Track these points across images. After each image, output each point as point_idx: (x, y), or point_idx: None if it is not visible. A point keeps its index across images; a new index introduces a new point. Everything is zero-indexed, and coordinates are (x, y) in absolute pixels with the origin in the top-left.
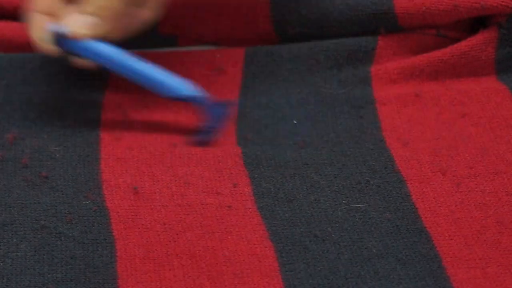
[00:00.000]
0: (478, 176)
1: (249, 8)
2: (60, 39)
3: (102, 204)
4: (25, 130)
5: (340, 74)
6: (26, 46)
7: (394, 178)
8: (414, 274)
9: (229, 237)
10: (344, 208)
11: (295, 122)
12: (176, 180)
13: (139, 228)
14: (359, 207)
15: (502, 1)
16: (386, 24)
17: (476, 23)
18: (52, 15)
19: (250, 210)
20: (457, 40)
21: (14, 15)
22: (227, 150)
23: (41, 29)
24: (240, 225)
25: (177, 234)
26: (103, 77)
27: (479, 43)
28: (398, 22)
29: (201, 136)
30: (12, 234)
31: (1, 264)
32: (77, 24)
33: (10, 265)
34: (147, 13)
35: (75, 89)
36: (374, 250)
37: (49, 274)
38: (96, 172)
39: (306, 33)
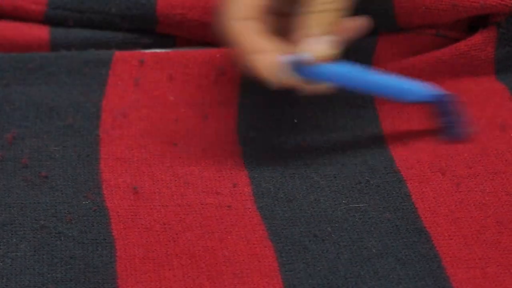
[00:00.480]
0: (477, 176)
1: None
2: (301, 67)
3: (102, 204)
4: (24, 130)
5: None
6: (26, 46)
7: (394, 178)
8: (414, 274)
9: (228, 237)
10: (344, 208)
11: (295, 121)
12: (175, 180)
13: (139, 228)
14: (358, 207)
15: (501, 0)
16: (386, 23)
17: (475, 23)
18: (270, 50)
19: (250, 210)
20: (456, 40)
21: (14, 15)
22: (227, 149)
23: (272, 64)
24: (239, 225)
25: (177, 234)
26: (103, 77)
27: (478, 43)
28: (397, 22)
29: (449, 134)
30: (12, 234)
31: (1, 264)
32: (318, 47)
33: (10, 265)
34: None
35: (75, 89)
36: (374, 250)
37: (48, 274)
38: (95, 172)
39: None
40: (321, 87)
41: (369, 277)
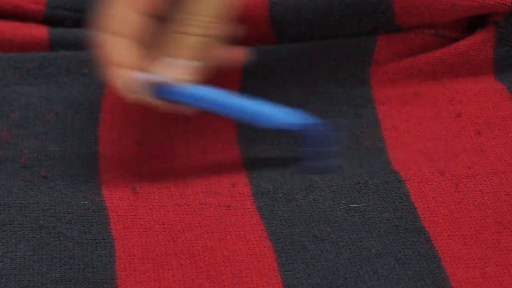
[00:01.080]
0: (476, 176)
1: (248, 8)
2: (156, 87)
3: (101, 204)
4: (23, 130)
5: (339, 74)
6: (25, 46)
7: (393, 178)
8: (413, 273)
9: (228, 237)
10: (343, 208)
11: None
12: (174, 180)
13: (138, 228)
14: (358, 207)
15: (501, 0)
16: (385, 23)
17: (474, 23)
18: (130, 66)
19: (249, 210)
20: (455, 39)
21: (13, 15)
22: (227, 150)
23: (127, 80)
24: (239, 225)
25: (176, 234)
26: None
27: (477, 42)
28: (397, 21)
29: (309, 164)
30: (11, 234)
31: (0, 264)
32: (174, 70)
33: (9, 265)
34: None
35: (74, 89)
36: (373, 250)
37: (48, 274)
38: (95, 172)
39: (305, 33)
40: (182, 108)
41: (368, 277)
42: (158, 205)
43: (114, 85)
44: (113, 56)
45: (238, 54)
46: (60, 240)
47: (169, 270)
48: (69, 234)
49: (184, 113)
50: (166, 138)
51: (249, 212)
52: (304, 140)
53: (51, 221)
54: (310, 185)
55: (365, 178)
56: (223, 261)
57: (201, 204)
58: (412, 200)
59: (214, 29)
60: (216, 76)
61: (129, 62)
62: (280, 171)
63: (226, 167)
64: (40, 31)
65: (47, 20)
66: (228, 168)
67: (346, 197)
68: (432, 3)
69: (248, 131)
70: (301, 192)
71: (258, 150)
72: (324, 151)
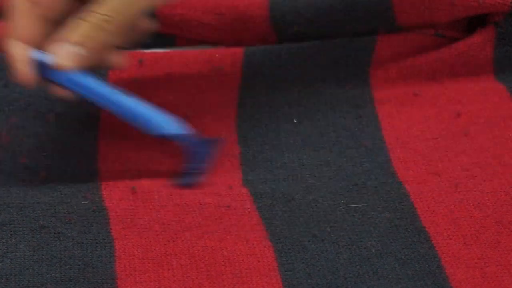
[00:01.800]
0: (476, 176)
1: (248, 8)
2: (43, 68)
3: (101, 204)
4: (24, 130)
5: (339, 74)
6: None
7: (391, 179)
8: (413, 273)
9: (228, 237)
10: (343, 208)
11: (295, 121)
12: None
13: (138, 228)
14: (357, 207)
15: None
16: (385, 23)
17: (474, 23)
18: (33, 42)
19: (249, 210)
20: (455, 39)
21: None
22: (226, 150)
23: (21, 56)
24: (239, 224)
25: (176, 234)
26: (102, 77)
27: (477, 42)
28: (397, 21)
29: (186, 178)
30: (11, 234)
31: (0, 264)
32: (63, 54)
33: (9, 265)
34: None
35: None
36: (373, 250)
37: (47, 274)
38: (94, 172)
39: (305, 33)
40: (65, 92)
41: (368, 277)
42: (158, 205)
43: (10, 59)
44: (16, 29)
45: (120, 60)
46: (60, 240)
47: (169, 270)
48: (69, 234)
49: (66, 98)
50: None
51: (249, 212)
52: (186, 153)
53: (51, 221)
54: (307, 186)
55: (364, 178)
56: (223, 261)
57: (200, 204)
58: (412, 200)
59: (110, 22)
60: (215, 76)
61: (29, 36)
62: (276, 173)
63: (225, 167)
64: None
65: None
66: (227, 168)
67: (345, 197)
68: (432, 3)
69: (248, 131)
70: (300, 193)
71: (258, 151)
72: (195, 165)
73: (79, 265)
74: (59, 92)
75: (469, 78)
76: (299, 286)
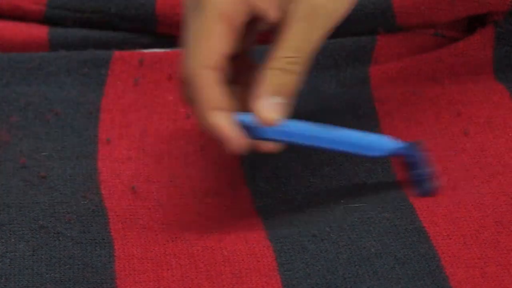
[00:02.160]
0: (475, 177)
1: None
2: (249, 129)
3: (100, 203)
4: (23, 130)
5: (339, 74)
6: (25, 46)
7: (391, 179)
8: (413, 273)
9: (227, 237)
10: (343, 208)
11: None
12: (173, 180)
13: (137, 228)
14: (357, 207)
15: None
16: (385, 23)
17: (474, 23)
18: (229, 107)
19: (249, 210)
20: (455, 39)
21: (13, 15)
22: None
23: (228, 124)
24: (238, 225)
25: (175, 234)
26: (102, 77)
27: (477, 42)
28: (397, 20)
29: (419, 188)
30: (11, 234)
31: (0, 264)
32: (266, 109)
33: (9, 265)
34: None
35: (73, 89)
36: (373, 250)
37: (47, 274)
38: (94, 172)
39: None
40: (275, 146)
41: (368, 276)
42: (157, 205)
43: (216, 130)
44: (209, 100)
45: None
46: (59, 240)
47: (168, 270)
48: (68, 234)
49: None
50: (166, 138)
51: (249, 212)
52: (407, 163)
53: (50, 221)
54: (308, 186)
55: (364, 178)
56: (223, 261)
57: (200, 204)
58: (411, 200)
59: (303, 64)
60: None
61: (225, 103)
62: (278, 172)
63: (225, 167)
64: (40, 31)
65: (47, 20)
66: (227, 168)
67: (344, 198)
68: (432, 2)
69: None
70: (300, 193)
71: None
72: (426, 171)
73: (78, 265)
74: (269, 146)
75: (469, 78)
76: (299, 286)
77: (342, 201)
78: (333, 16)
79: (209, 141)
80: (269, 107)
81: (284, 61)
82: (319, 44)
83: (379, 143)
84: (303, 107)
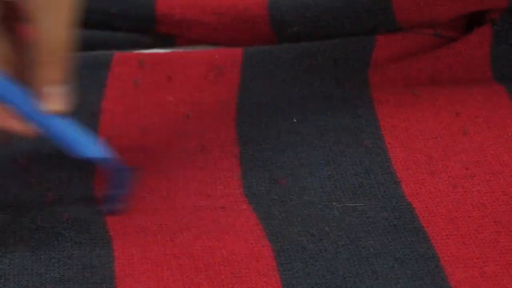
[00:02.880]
0: (474, 176)
1: (247, 8)
2: None
3: (99, 203)
4: None
5: (338, 74)
6: None
7: (389, 178)
8: (412, 273)
9: (226, 237)
10: (341, 208)
11: (295, 120)
12: (167, 183)
13: (136, 228)
14: (355, 207)
15: None
16: (384, 21)
17: (472, 24)
18: None
19: (245, 210)
20: (454, 40)
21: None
22: (225, 150)
23: None
24: (236, 225)
25: (174, 234)
26: (102, 78)
27: (474, 41)
28: (396, 19)
29: (108, 204)
30: (9, 235)
31: None
32: (54, 97)
33: (8, 265)
34: None
35: (73, 90)
36: (372, 250)
37: (46, 274)
38: (91, 173)
39: (304, 33)
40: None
41: (367, 276)
42: (152, 208)
43: None
44: None
45: None
46: (58, 240)
47: (168, 270)
48: (67, 234)
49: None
50: (165, 138)
51: (246, 212)
52: (108, 177)
53: (49, 221)
54: (305, 186)
55: (363, 178)
56: (222, 261)
57: (194, 207)
58: (409, 200)
59: (58, 51)
60: (215, 76)
61: None
62: (275, 172)
63: (223, 168)
64: None
65: None
66: (225, 169)
67: (343, 197)
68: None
69: (248, 131)
70: (295, 194)
71: (257, 151)
72: (117, 192)
73: (77, 265)
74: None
75: (468, 78)
76: (298, 285)
77: (340, 201)
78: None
79: (210, 141)
80: (58, 97)
81: (44, 53)
82: (71, 28)
83: (82, 145)
84: (303, 107)
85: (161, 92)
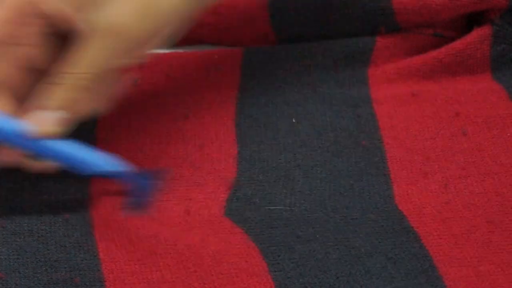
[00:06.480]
0: (468, 177)
1: (247, 8)
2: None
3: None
4: None
5: (338, 74)
6: None
7: (381, 180)
8: (406, 272)
9: (209, 238)
10: (323, 211)
11: (294, 121)
12: (171, 181)
13: (119, 228)
14: (340, 209)
15: None
16: (384, 21)
17: (472, 24)
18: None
19: (216, 215)
20: (454, 40)
21: None
22: (224, 151)
23: None
24: (216, 228)
25: (157, 229)
26: None
27: (474, 41)
28: (396, 18)
29: (131, 210)
30: None
31: None
32: (43, 121)
33: None
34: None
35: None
36: (363, 250)
37: (34, 276)
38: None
39: (304, 33)
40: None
41: (360, 275)
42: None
43: None
44: None
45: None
46: (43, 243)
47: (157, 271)
48: (52, 238)
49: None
50: (165, 138)
51: (217, 218)
52: (126, 185)
53: (35, 225)
54: (291, 189)
55: (353, 181)
56: (211, 262)
57: (193, 205)
58: (398, 201)
59: (88, 81)
60: (215, 76)
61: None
62: (269, 174)
63: (220, 168)
64: None
65: None
66: (222, 169)
67: (328, 200)
68: None
69: (247, 131)
70: (279, 196)
71: (255, 151)
72: (140, 199)
73: (65, 268)
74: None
75: (467, 78)
76: (291, 285)
77: (326, 203)
78: (136, 35)
79: (208, 141)
80: (50, 120)
81: (74, 77)
82: (118, 62)
83: (96, 161)
84: (302, 107)
85: (161, 92)
